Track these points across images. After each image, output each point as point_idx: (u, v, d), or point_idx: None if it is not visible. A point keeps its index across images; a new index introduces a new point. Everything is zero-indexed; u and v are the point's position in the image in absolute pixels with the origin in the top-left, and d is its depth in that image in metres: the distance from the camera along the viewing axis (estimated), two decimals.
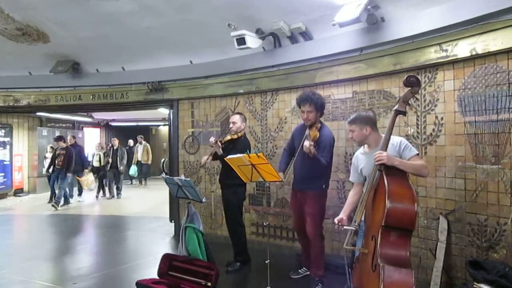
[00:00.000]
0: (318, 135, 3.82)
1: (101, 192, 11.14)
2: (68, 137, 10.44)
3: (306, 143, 3.59)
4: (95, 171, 10.95)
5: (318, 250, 4.00)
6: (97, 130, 15.62)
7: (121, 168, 10.94)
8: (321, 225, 4.04)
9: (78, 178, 10.23)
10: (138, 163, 13.90)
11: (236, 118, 4.69)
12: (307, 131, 3.80)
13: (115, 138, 11.86)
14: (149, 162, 14.14)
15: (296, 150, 3.91)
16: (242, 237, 4.77)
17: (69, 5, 5.07)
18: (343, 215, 3.09)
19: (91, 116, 14.50)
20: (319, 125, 3.94)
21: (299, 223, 4.14)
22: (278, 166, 4.18)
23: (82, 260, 5.28)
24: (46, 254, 5.53)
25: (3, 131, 10.81)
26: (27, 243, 6.40)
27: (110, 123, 15.77)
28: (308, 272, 4.23)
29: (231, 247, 4.78)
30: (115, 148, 11.13)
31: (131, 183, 14.54)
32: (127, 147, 14.10)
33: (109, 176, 10.97)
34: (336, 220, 3.04)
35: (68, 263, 5.11)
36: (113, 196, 10.97)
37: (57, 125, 13.36)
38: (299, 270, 4.34)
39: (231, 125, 4.67)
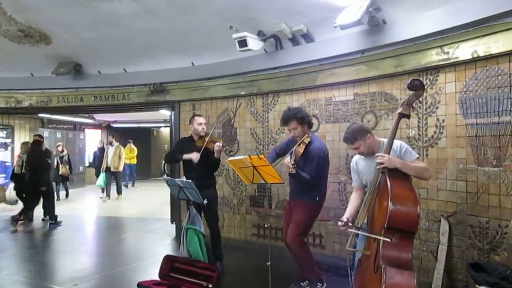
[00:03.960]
0: (301, 152, 3.77)
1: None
2: None
3: (285, 160, 3.67)
4: (15, 180, 7.92)
5: (301, 255, 3.89)
6: (99, 131, 15.65)
7: (44, 180, 7.29)
8: (303, 236, 3.92)
9: None
10: (108, 170, 10.65)
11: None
12: (294, 147, 3.80)
13: (38, 137, 7.83)
14: (120, 168, 10.91)
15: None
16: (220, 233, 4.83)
17: (71, 7, 5.08)
18: (347, 215, 3.05)
19: (92, 118, 14.55)
20: (309, 139, 3.83)
21: (286, 232, 4.01)
22: None
23: (83, 261, 5.28)
24: (47, 255, 5.53)
25: (4, 132, 10.83)
26: (28, 244, 6.40)
27: (111, 125, 15.79)
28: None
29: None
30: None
31: (104, 196, 10.88)
32: (98, 150, 11.67)
33: (27, 191, 7.64)
34: (344, 218, 2.97)
35: (69, 264, 5.10)
36: (30, 220, 7.69)
37: (59, 126, 13.39)
38: (301, 283, 4.07)
39: (203, 127, 4.63)
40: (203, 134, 4.60)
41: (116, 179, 11.05)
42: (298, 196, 3.92)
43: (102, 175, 10.66)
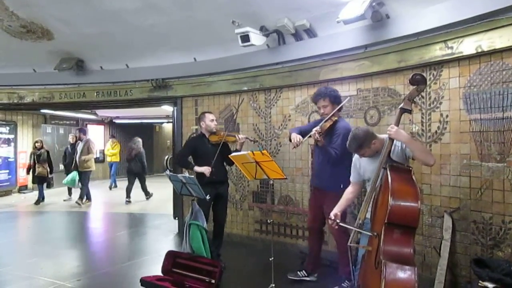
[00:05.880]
0: (327, 126, 3.79)
1: None
2: None
3: (314, 129, 3.68)
4: None
5: (344, 248, 3.93)
6: (101, 127, 15.65)
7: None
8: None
9: None
10: (76, 168, 9.22)
11: None
12: (321, 122, 3.84)
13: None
14: (92, 168, 9.55)
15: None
16: None
17: (73, 3, 5.08)
18: (337, 210, 3.12)
19: (95, 114, 14.53)
20: (336, 118, 3.89)
21: (314, 221, 4.07)
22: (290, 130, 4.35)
23: (86, 257, 5.30)
24: (50, 250, 5.54)
25: (7, 128, 10.86)
26: (31, 240, 6.44)
27: (114, 120, 15.78)
28: (307, 278, 4.13)
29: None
30: None
31: (69, 198, 9.75)
32: (70, 146, 9.96)
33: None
34: (332, 215, 3.06)
35: (72, 260, 5.13)
36: None
37: (61, 122, 13.40)
38: (298, 273, 4.18)
39: (215, 123, 4.74)
40: (215, 130, 4.67)
41: (82, 180, 9.24)
42: (324, 183, 3.91)
43: (72, 174, 9.15)
